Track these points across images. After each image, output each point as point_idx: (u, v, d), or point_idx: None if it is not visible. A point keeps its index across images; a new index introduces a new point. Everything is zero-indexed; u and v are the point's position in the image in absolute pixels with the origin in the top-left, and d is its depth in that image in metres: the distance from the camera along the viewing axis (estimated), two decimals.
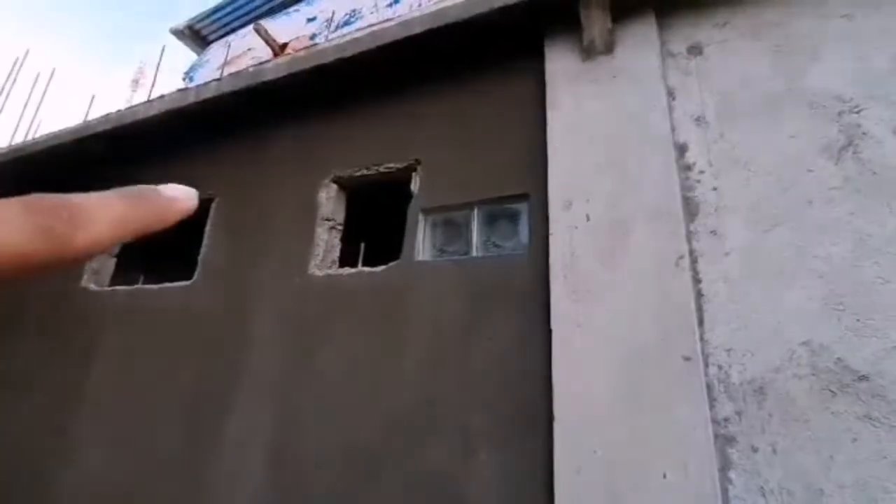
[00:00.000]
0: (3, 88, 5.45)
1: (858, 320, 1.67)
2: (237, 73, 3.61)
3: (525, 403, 2.03)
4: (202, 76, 5.63)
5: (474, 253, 2.47)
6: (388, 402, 2.30)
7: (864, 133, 1.85)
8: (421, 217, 2.63)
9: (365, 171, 2.93)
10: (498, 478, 1.98)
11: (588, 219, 2.15)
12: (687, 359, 1.81)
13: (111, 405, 3.11)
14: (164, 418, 2.86)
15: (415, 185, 2.71)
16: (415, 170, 2.74)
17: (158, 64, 4.77)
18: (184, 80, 6.35)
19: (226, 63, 4.79)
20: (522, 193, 2.40)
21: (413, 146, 2.80)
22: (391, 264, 2.60)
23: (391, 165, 2.84)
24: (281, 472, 2.41)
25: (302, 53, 3.48)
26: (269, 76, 3.14)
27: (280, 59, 3.47)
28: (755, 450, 1.67)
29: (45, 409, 3.30)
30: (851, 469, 1.56)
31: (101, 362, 3.29)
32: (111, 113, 3.95)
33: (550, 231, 2.20)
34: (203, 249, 3.26)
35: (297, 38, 5.15)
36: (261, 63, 3.76)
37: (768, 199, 1.90)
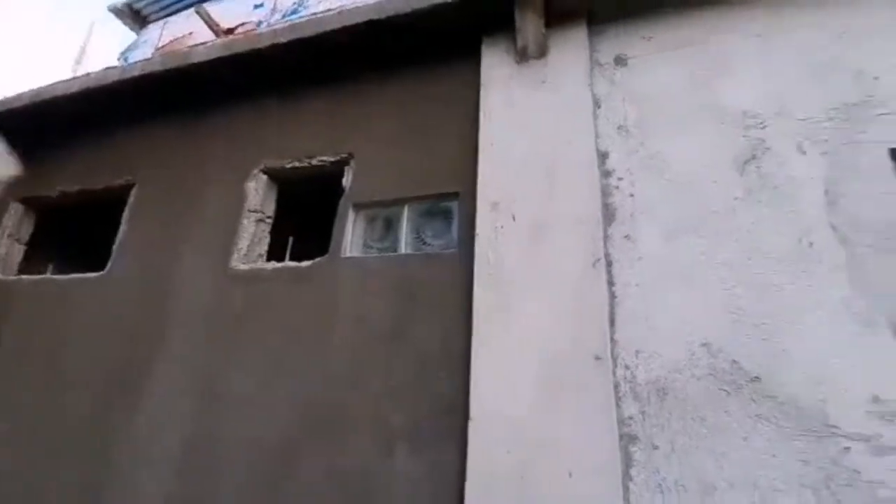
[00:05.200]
0: None
1: (753, 325, 1.75)
2: (167, 54, 3.41)
3: (445, 403, 2.00)
4: (138, 57, 5.31)
5: (403, 250, 2.43)
6: (308, 398, 2.23)
7: (767, 148, 1.95)
8: (351, 212, 2.56)
9: (297, 164, 2.83)
10: (413, 477, 1.94)
11: (513, 219, 2.16)
12: (598, 359, 1.84)
13: (11, 400, 2.84)
14: (71, 414, 2.64)
15: (347, 180, 2.64)
16: (348, 164, 2.68)
17: (86, 41, 4.45)
18: (119, 60, 5.99)
19: (162, 45, 4.54)
20: (453, 192, 2.39)
21: (347, 140, 2.74)
22: (318, 259, 2.51)
23: (324, 159, 2.75)
24: (192, 468, 2.28)
25: (239, 37, 3.34)
26: (200, 59, 2.99)
27: (214, 43, 3.31)
28: (655, 448, 1.72)
29: None
30: (742, 467, 1.63)
31: (1, 354, 3.02)
32: (26, 91, 3.64)
33: (476, 230, 2.19)
34: (118, 238, 3.05)
35: (243, 24, 4.96)
36: (195, 45, 3.58)
37: (679, 207, 1.97)
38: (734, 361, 1.73)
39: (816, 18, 2.05)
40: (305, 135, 2.85)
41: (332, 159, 2.74)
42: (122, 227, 3.08)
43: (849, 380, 1.60)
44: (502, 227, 2.15)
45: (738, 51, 2.13)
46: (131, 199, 3.15)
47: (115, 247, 3.04)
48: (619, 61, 2.32)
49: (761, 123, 1.98)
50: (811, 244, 1.76)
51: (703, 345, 1.77)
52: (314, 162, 2.80)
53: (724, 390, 1.72)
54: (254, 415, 2.28)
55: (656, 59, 2.25)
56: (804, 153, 1.88)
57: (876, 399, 1.56)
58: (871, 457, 1.52)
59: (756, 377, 1.69)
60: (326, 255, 2.51)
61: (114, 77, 3.32)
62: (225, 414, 2.33)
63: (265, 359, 2.38)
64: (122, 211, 3.13)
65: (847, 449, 1.54)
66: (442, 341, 2.09)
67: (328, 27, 2.66)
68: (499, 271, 2.08)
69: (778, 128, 1.95)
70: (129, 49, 5.78)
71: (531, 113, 2.34)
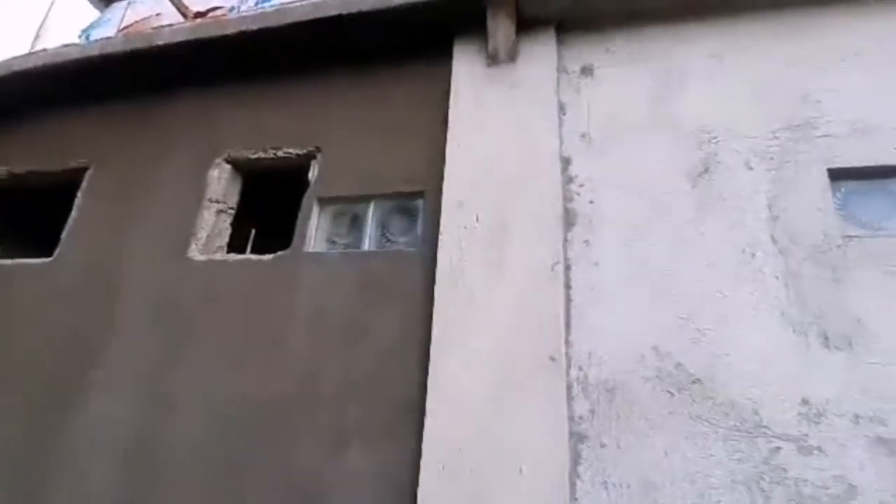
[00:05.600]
0: None
1: (698, 329, 1.84)
2: (131, 35, 3.29)
3: (402, 400, 2.01)
4: (100, 36, 5.08)
5: (368, 247, 2.42)
6: (263, 395, 2.19)
7: (718, 162, 2.05)
8: (316, 207, 2.54)
9: (262, 155, 2.78)
10: (367, 474, 1.94)
11: (477, 220, 2.19)
12: (553, 360, 1.89)
13: None
14: (8, 412, 2.51)
15: (313, 174, 2.61)
16: (314, 157, 2.65)
17: (45, 17, 4.23)
18: (79, 37, 5.71)
19: (127, 25, 4.36)
20: (420, 191, 2.40)
21: (315, 133, 2.71)
22: (280, 253, 2.48)
23: (290, 151, 2.72)
24: (138, 467, 2.21)
25: (208, 21, 3.25)
26: (165, 41, 2.89)
27: (180, 26, 3.21)
28: (603, 446, 1.78)
29: None
30: (683, 464, 1.71)
31: None
32: None
33: (441, 229, 2.21)
34: (69, 223, 2.91)
35: (215, 8, 4.82)
36: (161, 27, 3.46)
37: (635, 215, 2.05)
38: (679, 364, 1.81)
39: (766, 43, 2.16)
40: (272, 126, 2.80)
41: (298, 152, 2.71)
42: (74, 212, 2.95)
43: (781, 383, 1.70)
44: (466, 227, 2.18)
45: (695, 68, 2.22)
46: (85, 183, 3.01)
47: (64, 232, 2.91)
48: (585, 71, 2.39)
49: (714, 139, 2.08)
50: (754, 255, 1.86)
51: (652, 348, 1.85)
52: (280, 154, 2.75)
53: (669, 392, 1.79)
54: (204, 411, 2.23)
55: (620, 71, 2.33)
56: (751, 169, 1.99)
57: (804, 402, 1.67)
58: (798, 456, 1.62)
59: (698, 379, 1.77)
60: (289, 250, 2.47)
61: (73, 55, 3.18)
62: (174, 410, 2.27)
63: (220, 353, 2.33)
64: (75, 195, 3.00)
65: (777, 449, 1.64)
66: (402, 339, 2.10)
67: (298, 18, 2.63)
68: (461, 271, 2.11)
69: (728, 143, 2.05)
70: (90, 27, 5.51)
71: (499, 116, 2.38)
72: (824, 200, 1.86)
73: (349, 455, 1.97)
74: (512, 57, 2.46)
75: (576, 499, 1.72)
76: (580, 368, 1.89)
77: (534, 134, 2.29)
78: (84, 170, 3.04)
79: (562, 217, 2.11)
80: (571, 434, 1.81)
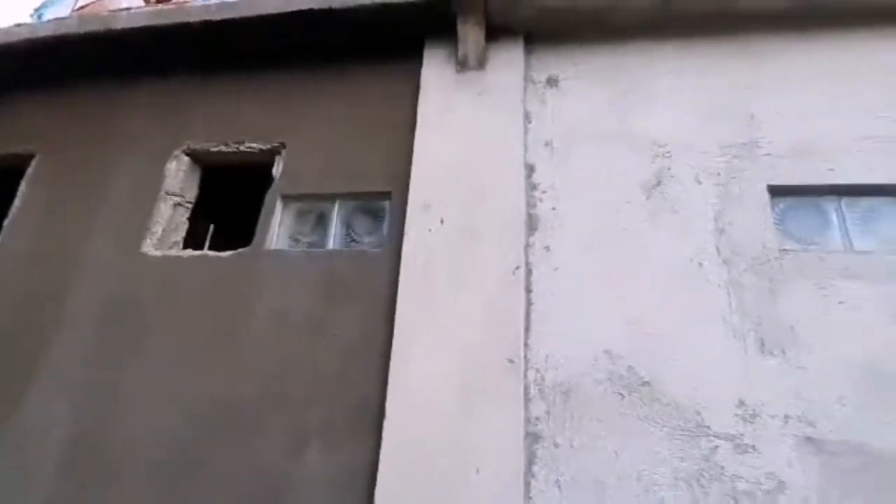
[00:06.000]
0: None
1: (648, 334, 1.93)
2: (86, 16, 3.14)
3: (362, 401, 2.01)
4: (53, 16, 4.81)
5: (332, 246, 2.41)
6: (218, 395, 2.14)
7: (671, 176, 2.16)
8: (279, 203, 2.50)
9: (224, 148, 2.72)
10: (326, 474, 1.94)
11: (442, 223, 2.21)
12: (511, 362, 1.94)
13: None
14: None
15: (277, 170, 2.57)
16: (279, 153, 2.61)
17: None
18: (31, 16, 5.40)
19: (83, 5, 4.14)
20: (386, 191, 2.40)
21: (281, 129, 2.67)
22: (240, 250, 2.43)
23: (254, 146, 2.66)
24: (82, 467, 2.11)
25: (170, 7, 3.14)
26: (123, 25, 2.78)
27: (141, 10, 3.08)
28: (557, 446, 1.84)
29: None
30: (631, 463, 1.78)
31: None
32: None
33: (406, 231, 2.22)
34: (11, 212, 2.75)
35: None
36: (119, 10, 3.31)
37: (593, 223, 2.13)
38: (630, 367, 1.89)
39: (720, 64, 2.30)
40: (236, 119, 2.74)
41: (262, 147, 2.66)
42: (17, 202, 2.78)
43: (721, 386, 1.81)
44: (431, 229, 2.20)
45: (654, 85, 2.33)
46: (30, 171, 2.85)
47: (6, 222, 2.74)
48: (551, 82, 2.46)
49: (668, 153, 2.19)
50: (700, 265, 1.97)
51: (605, 351, 1.93)
52: (243, 148, 2.70)
53: (620, 393, 1.87)
54: (158, 410, 2.15)
55: (584, 84, 2.41)
56: (700, 183, 2.10)
57: (741, 403, 1.78)
58: (734, 454, 1.73)
59: (647, 382, 1.86)
60: (250, 247, 2.43)
61: (23, 35, 3.00)
62: (123, 409, 2.18)
63: (176, 352, 2.26)
64: (18, 182, 2.83)
65: (716, 447, 1.74)
66: (364, 340, 2.10)
67: (265, 11, 2.58)
68: (425, 272, 2.13)
69: (681, 158, 2.17)
70: (43, 5, 5.23)
71: (467, 121, 2.42)
72: (764, 215, 1.99)
73: (308, 455, 1.96)
74: (481, 63, 2.50)
75: (530, 497, 1.77)
76: (538, 371, 1.95)
77: (500, 140, 2.34)
78: (29, 157, 2.88)
79: (525, 222, 2.17)
80: (527, 435, 1.86)
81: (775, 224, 2.01)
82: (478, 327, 2.01)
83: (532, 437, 1.87)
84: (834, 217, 2.02)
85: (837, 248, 1.97)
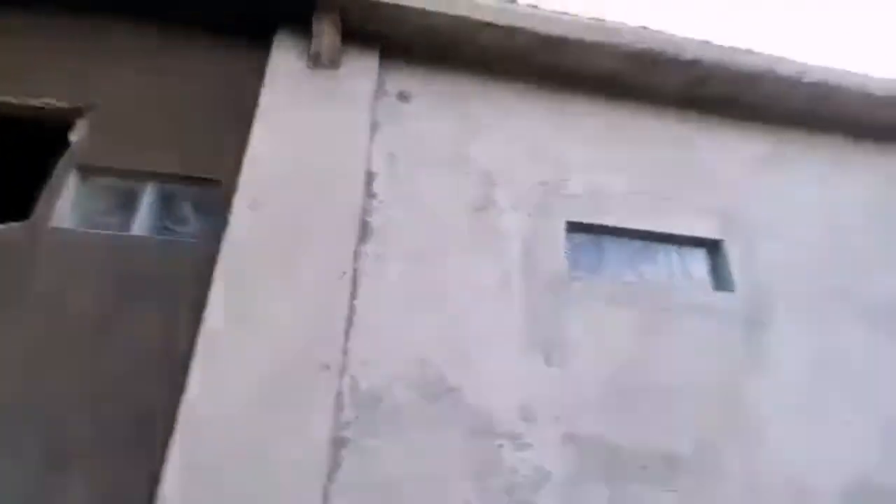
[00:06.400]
0: None
1: (457, 344, 2.10)
2: None
3: (149, 413, 1.79)
4: None
5: (137, 231, 2.13)
6: None
7: (494, 202, 2.40)
8: (75, 175, 2.13)
9: (12, 100, 2.22)
10: (95, 492, 1.68)
11: (270, 220, 2.13)
12: (326, 367, 1.94)
13: None
14: None
15: (77, 135, 2.19)
16: (81, 115, 2.22)
17: None
18: None
19: None
20: (212, 179, 2.22)
21: (91, 88, 2.29)
22: (12, 225, 2.00)
23: (50, 101, 2.23)
24: None
25: None
26: None
27: None
28: (364, 450, 1.89)
29: None
30: (427, 464, 1.91)
31: None
32: None
33: (230, 223, 2.08)
34: None
35: None
36: None
37: (421, 239, 2.26)
38: (438, 374, 2.04)
39: (543, 112, 2.64)
40: (35, 66, 2.26)
41: (62, 105, 2.24)
42: None
43: (511, 392, 2.06)
44: (257, 227, 2.10)
45: (490, 118, 2.57)
46: None
47: None
48: (402, 96, 2.55)
49: (494, 182, 2.44)
50: (507, 284, 2.23)
51: (420, 360, 2.05)
52: (36, 102, 2.24)
53: (427, 399, 2.01)
54: None
55: (432, 105, 2.55)
56: (516, 212, 2.39)
57: (525, 407, 2.05)
58: (514, 451, 1.98)
59: (451, 388, 2.03)
60: (28, 221, 2.02)
61: None
62: None
63: None
64: None
65: (501, 446, 1.98)
66: (162, 340, 1.90)
67: None
68: (244, 269, 2.02)
69: (503, 188, 2.43)
70: None
71: (312, 119, 2.37)
72: (561, 246, 2.34)
73: (69, 478, 1.67)
74: (334, 63, 2.48)
75: (329, 501, 1.79)
76: (353, 377, 1.98)
77: (344, 144, 2.34)
78: None
79: (358, 229, 2.20)
80: (334, 440, 1.88)
81: (569, 254, 2.37)
82: (296, 331, 1.97)
83: (339, 443, 1.89)
84: (611, 253, 2.47)
85: (608, 279, 2.42)
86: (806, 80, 2.70)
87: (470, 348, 2.11)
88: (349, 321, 2.06)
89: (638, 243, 2.55)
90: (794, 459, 2.07)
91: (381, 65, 2.57)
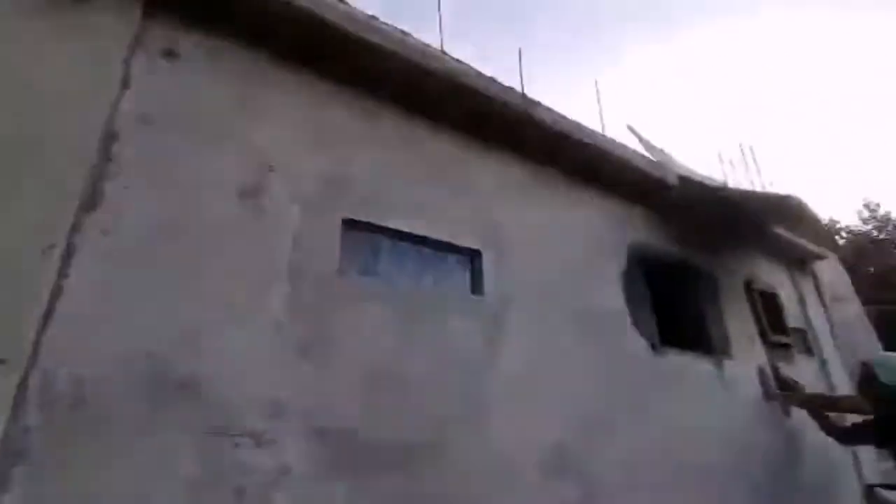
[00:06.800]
0: None
1: (200, 337, 1.89)
2: None
3: None
4: None
5: None
6: None
7: (268, 189, 2.26)
8: None
9: None
10: None
11: None
12: (1, 362, 1.53)
13: None
14: None
15: None
16: None
17: None
18: None
19: None
20: None
21: None
22: None
23: None
24: None
25: None
26: None
27: None
28: (53, 461, 1.54)
29: None
30: (137, 476, 1.66)
31: None
32: None
33: None
34: None
35: None
36: None
37: (172, 216, 1.99)
38: (168, 369, 1.80)
39: (331, 101, 2.62)
40: None
41: None
42: None
43: (261, 388, 1.95)
44: None
45: (272, 99, 2.42)
46: None
47: None
48: (169, 55, 2.23)
49: (272, 167, 2.31)
50: (271, 278, 2.13)
51: (145, 351, 1.78)
52: None
53: (155, 397, 1.75)
54: None
55: (205, 72, 2.29)
56: (293, 203, 2.30)
57: (274, 403, 1.96)
58: (256, 448, 1.87)
59: (183, 384, 1.81)
60: None
61: None
62: None
63: None
64: None
65: (238, 445, 1.84)
66: None
67: None
68: None
69: (283, 176, 2.32)
70: None
71: (45, 55, 1.89)
72: (335, 243, 2.34)
73: None
74: None
75: None
76: (46, 374, 1.61)
77: (81, 92, 1.93)
78: None
79: (82, 195, 1.82)
80: (6, 453, 1.49)
81: (342, 251, 2.37)
82: None
83: (12, 456, 1.50)
84: (384, 254, 2.58)
85: (378, 279, 2.51)
86: (556, 128, 3.30)
87: (214, 342, 1.92)
88: (52, 305, 1.68)
89: (410, 247, 2.72)
90: (507, 440, 2.45)
91: (145, 16, 2.21)
